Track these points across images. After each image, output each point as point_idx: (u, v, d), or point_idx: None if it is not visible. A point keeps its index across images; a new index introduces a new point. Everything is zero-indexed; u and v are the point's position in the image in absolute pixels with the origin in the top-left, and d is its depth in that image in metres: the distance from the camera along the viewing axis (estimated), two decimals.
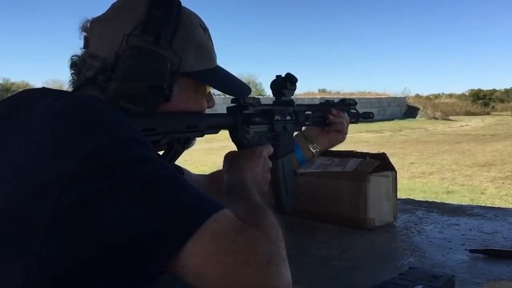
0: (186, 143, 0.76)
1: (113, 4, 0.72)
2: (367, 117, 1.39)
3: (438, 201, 1.69)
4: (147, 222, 0.49)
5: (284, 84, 1.04)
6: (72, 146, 0.51)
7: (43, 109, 0.57)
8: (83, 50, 0.70)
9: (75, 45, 0.72)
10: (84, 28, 0.71)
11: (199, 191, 0.55)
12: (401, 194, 1.33)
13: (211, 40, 0.78)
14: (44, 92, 0.63)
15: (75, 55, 0.70)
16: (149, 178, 0.51)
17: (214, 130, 0.84)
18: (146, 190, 0.50)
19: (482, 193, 5.36)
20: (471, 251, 1.00)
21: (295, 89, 1.08)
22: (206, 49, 0.75)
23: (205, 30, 0.76)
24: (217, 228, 0.51)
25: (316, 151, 1.18)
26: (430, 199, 2.22)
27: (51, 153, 0.51)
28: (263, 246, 0.52)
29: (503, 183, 5.87)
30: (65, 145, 0.51)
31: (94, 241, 0.49)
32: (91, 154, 0.50)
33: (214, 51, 0.78)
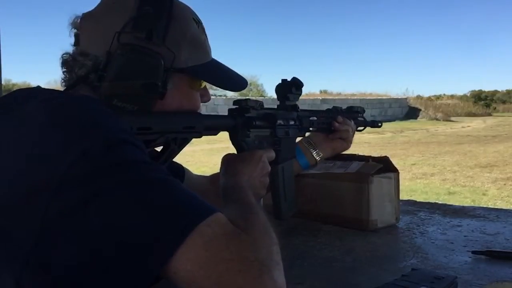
0: (183, 143, 0.75)
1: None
2: (374, 126, 1.39)
3: (440, 202, 1.68)
4: (136, 227, 0.48)
5: (289, 88, 1.03)
6: (61, 150, 0.50)
7: (33, 110, 0.55)
8: (74, 47, 0.69)
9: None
10: (74, 25, 0.69)
11: (191, 194, 0.53)
12: (402, 195, 1.33)
13: (205, 33, 0.76)
14: (36, 91, 0.61)
15: (66, 53, 0.68)
16: (139, 182, 0.50)
17: (213, 131, 0.82)
18: (136, 194, 0.49)
19: (484, 194, 5.36)
20: (473, 252, 0.99)
21: (300, 94, 1.07)
22: (199, 43, 0.73)
23: (198, 23, 0.73)
24: (209, 233, 0.49)
25: (319, 158, 1.18)
26: (431, 200, 2.22)
27: (40, 157, 0.50)
28: (255, 253, 0.51)
29: (504, 184, 5.87)
30: (54, 149, 0.50)
31: (83, 247, 0.48)
32: (81, 157, 0.49)
33: (208, 44, 0.76)
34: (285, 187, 1.01)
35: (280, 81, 1.05)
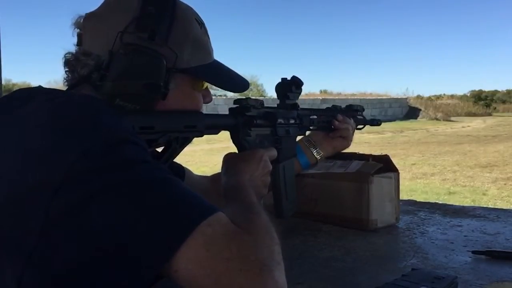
0: (185, 142, 0.75)
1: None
2: (374, 124, 1.39)
3: (440, 202, 1.68)
4: (137, 226, 0.48)
5: (289, 87, 1.04)
6: (63, 149, 0.50)
7: (34, 110, 0.55)
8: (77, 47, 0.69)
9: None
10: (77, 24, 0.69)
11: (192, 193, 0.54)
12: (402, 195, 1.33)
13: (207, 34, 0.76)
14: (37, 91, 0.62)
15: (69, 53, 0.69)
16: (140, 181, 0.50)
17: (214, 130, 0.83)
18: (137, 193, 0.49)
19: (484, 194, 5.36)
20: (473, 252, 0.99)
21: (300, 93, 1.07)
22: (202, 44, 0.73)
23: (201, 24, 0.74)
24: (210, 232, 0.50)
25: (319, 156, 1.18)
26: (431, 200, 2.22)
27: (41, 156, 0.50)
28: (256, 253, 0.51)
29: (505, 184, 5.87)
30: (55, 148, 0.50)
31: (84, 246, 0.48)
32: (82, 157, 0.49)
33: (210, 45, 0.76)
34: (287, 186, 1.01)
35: (280, 80, 1.05)
